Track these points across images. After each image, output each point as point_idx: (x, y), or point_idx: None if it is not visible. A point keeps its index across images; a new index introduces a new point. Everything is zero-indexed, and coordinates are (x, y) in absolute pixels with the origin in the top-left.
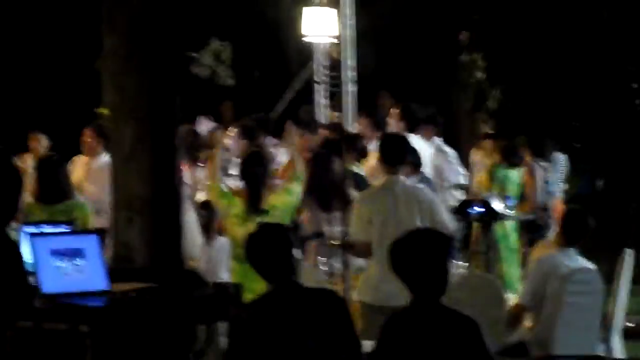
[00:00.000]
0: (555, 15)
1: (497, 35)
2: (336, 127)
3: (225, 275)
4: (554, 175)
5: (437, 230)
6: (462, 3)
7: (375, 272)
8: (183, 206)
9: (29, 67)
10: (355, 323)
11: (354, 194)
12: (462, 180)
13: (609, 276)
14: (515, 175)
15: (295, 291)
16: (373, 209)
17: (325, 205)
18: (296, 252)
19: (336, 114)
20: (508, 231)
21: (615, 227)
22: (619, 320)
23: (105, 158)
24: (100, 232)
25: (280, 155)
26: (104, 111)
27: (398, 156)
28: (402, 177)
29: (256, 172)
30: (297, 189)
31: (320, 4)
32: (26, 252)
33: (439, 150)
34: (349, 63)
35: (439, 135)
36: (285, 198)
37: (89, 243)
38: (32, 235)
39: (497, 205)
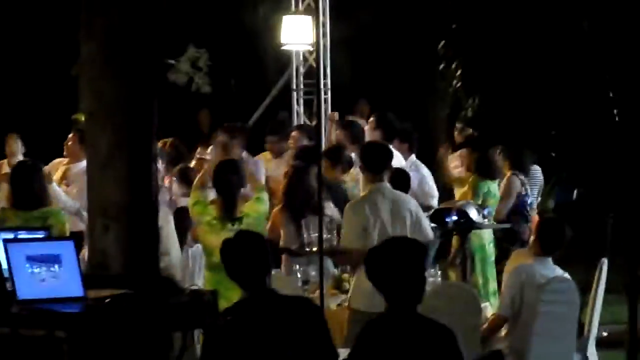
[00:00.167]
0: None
1: (474, 43)
2: (309, 132)
3: (200, 282)
4: (532, 187)
5: (413, 238)
6: (440, 12)
7: None
8: (163, 213)
9: (4, 72)
10: (332, 331)
11: (329, 206)
12: (434, 204)
13: (585, 286)
14: (495, 188)
15: (271, 299)
16: (368, 217)
17: (298, 217)
18: (271, 260)
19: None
20: (484, 242)
21: (591, 237)
22: (595, 329)
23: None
24: (77, 237)
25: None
26: (80, 117)
27: (382, 163)
28: (387, 184)
29: (230, 180)
30: (265, 197)
31: (297, 12)
32: (1, 258)
33: (415, 170)
34: (326, 71)
35: (414, 151)
36: (258, 206)
37: (65, 249)
38: (8, 241)
39: (474, 214)
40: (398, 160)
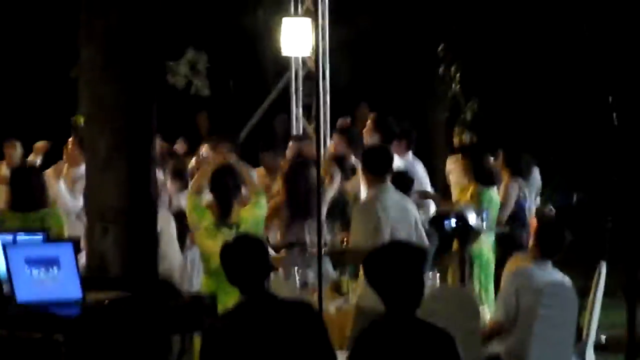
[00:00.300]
0: (533, 29)
1: (473, 47)
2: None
3: (199, 286)
4: (531, 193)
5: (412, 242)
6: (439, 15)
7: None
8: (163, 215)
9: (4, 74)
10: (330, 335)
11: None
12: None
13: (583, 290)
14: (496, 195)
15: (269, 302)
16: (380, 216)
17: (303, 214)
18: (270, 263)
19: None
20: (483, 246)
21: (590, 241)
22: (593, 334)
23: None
24: (74, 241)
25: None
26: (79, 119)
27: (384, 165)
28: (391, 185)
29: (226, 184)
30: (263, 202)
31: (297, 15)
32: (0, 261)
33: (411, 166)
34: (325, 74)
35: (412, 150)
36: (255, 211)
37: (64, 252)
38: (6, 243)
39: (472, 218)
40: (395, 161)
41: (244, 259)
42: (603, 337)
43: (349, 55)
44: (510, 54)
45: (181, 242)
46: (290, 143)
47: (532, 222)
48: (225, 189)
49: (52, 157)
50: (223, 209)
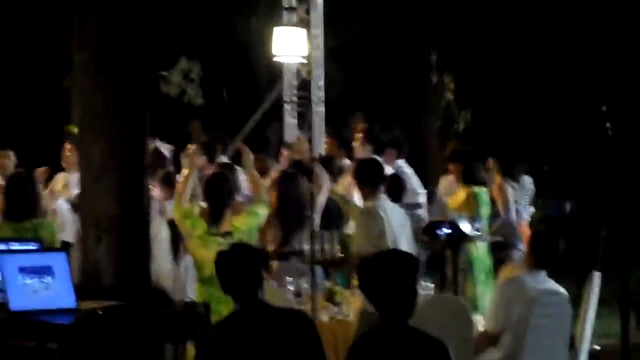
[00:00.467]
0: (526, 37)
1: (466, 56)
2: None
3: (192, 294)
4: (521, 197)
5: (406, 252)
6: (432, 24)
7: None
8: (155, 222)
9: None
10: (324, 344)
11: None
12: (421, 199)
13: (577, 299)
14: (486, 195)
15: (264, 311)
16: (384, 220)
17: (295, 224)
18: (264, 272)
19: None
20: (481, 253)
21: (582, 250)
22: (587, 342)
23: None
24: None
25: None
26: (73, 128)
27: (377, 177)
28: (385, 196)
29: (220, 192)
30: (262, 211)
31: (290, 24)
32: None
33: (400, 171)
34: (318, 83)
35: (403, 157)
36: (249, 220)
37: (57, 260)
38: (0, 252)
39: (465, 226)
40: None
41: (238, 267)
42: (597, 347)
43: (342, 64)
44: (504, 63)
45: (175, 250)
46: (284, 152)
47: (522, 227)
48: (219, 196)
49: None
50: (214, 215)
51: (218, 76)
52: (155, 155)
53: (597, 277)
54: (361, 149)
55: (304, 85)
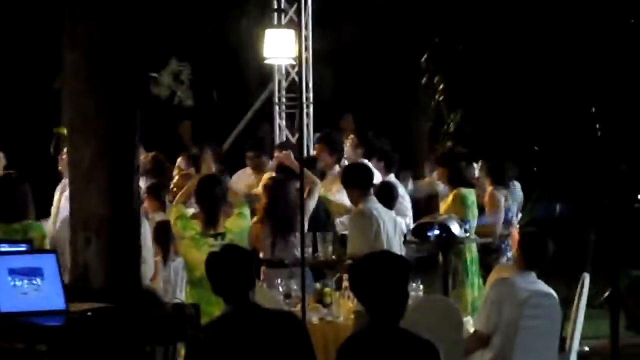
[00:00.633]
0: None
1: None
2: (288, 147)
3: (182, 296)
4: (512, 204)
5: (398, 254)
6: (422, 26)
7: None
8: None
9: None
10: (314, 346)
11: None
12: (404, 226)
13: (566, 300)
14: (474, 198)
15: (254, 312)
16: (378, 221)
17: (285, 229)
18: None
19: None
20: (474, 255)
21: (573, 252)
22: (576, 344)
23: None
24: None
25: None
26: (63, 130)
27: (367, 179)
28: (375, 199)
29: (213, 195)
30: (247, 212)
31: (280, 26)
32: None
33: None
34: (308, 85)
35: (393, 172)
36: (240, 222)
37: (47, 262)
38: None
39: (456, 228)
40: (376, 178)
41: (229, 269)
42: (586, 347)
43: (332, 65)
44: (493, 65)
45: (165, 252)
46: (275, 153)
47: (514, 234)
48: (213, 199)
49: (34, 167)
50: (209, 219)
51: (208, 78)
52: (155, 164)
53: (586, 279)
54: (352, 151)
55: (294, 87)
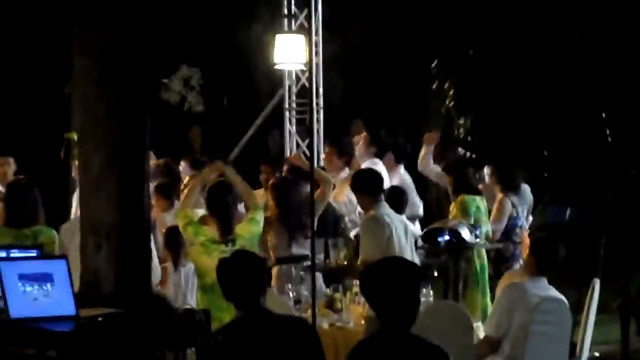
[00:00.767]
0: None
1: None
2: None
3: (193, 302)
4: (522, 207)
5: (410, 260)
6: (432, 31)
7: None
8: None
9: None
10: (325, 351)
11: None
12: (419, 212)
13: (577, 306)
14: (483, 205)
15: (265, 318)
16: (390, 227)
17: (297, 229)
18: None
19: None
20: (484, 261)
21: (583, 257)
22: (587, 349)
23: None
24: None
25: None
26: (73, 135)
27: (377, 185)
28: (386, 204)
29: (226, 202)
30: (261, 217)
31: (290, 31)
32: None
33: (400, 180)
34: (318, 90)
35: (402, 163)
36: (250, 227)
37: (58, 268)
38: (0, 259)
39: (466, 234)
40: (380, 169)
41: (240, 274)
42: (596, 353)
43: (343, 71)
44: (504, 70)
45: (175, 258)
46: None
47: (524, 239)
48: (225, 207)
49: (45, 173)
50: (224, 227)
51: (218, 83)
52: (167, 170)
53: (597, 284)
54: (364, 151)
55: (304, 92)
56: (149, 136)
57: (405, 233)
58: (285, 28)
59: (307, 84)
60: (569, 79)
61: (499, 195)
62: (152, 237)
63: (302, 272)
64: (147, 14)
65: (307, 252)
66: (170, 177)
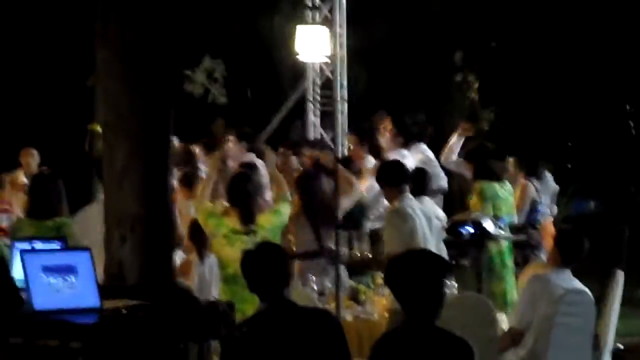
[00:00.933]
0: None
1: (490, 55)
2: (324, 146)
3: (216, 293)
4: (544, 195)
5: (436, 253)
6: (456, 23)
7: None
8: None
9: (21, 83)
10: (349, 343)
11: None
12: (444, 184)
13: (600, 298)
14: (506, 191)
15: (290, 310)
16: (415, 219)
17: (323, 221)
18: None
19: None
20: (504, 250)
21: (606, 249)
22: (610, 341)
23: None
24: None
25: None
26: (96, 127)
27: (401, 178)
28: (411, 196)
29: (246, 191)
30: (286, 210)
31: (313, 23)
32: (18, 269)
33: (423, 155)
34: (342, 82)
35: (424, 141)
36: (273, 218)
37: (81, 259)
38: (24, 251)
39: (489, 225)
40: (409, 161)
41: (264, 266)
42: (620, 345)
43: (366, 62)
44: (528, 63)
45: (200, 250)
46: (306, 152)
47: (547, 226)
48: (246, 197)
49: (69, 165)
50: (244, 216)
51: (242, 75)
52: (186, 154)
53: (620, 276)
54: (392, 142)
55: (328, 84)
56: (173, 128)
57: (430, 226)
58: (308, 20)
59: (330, 76)
60: (593, 71)
61: (522, 181)
62: None
63: (322, 264)
64: (170, 7)
65: (331, 244)
66: (190, 164)
